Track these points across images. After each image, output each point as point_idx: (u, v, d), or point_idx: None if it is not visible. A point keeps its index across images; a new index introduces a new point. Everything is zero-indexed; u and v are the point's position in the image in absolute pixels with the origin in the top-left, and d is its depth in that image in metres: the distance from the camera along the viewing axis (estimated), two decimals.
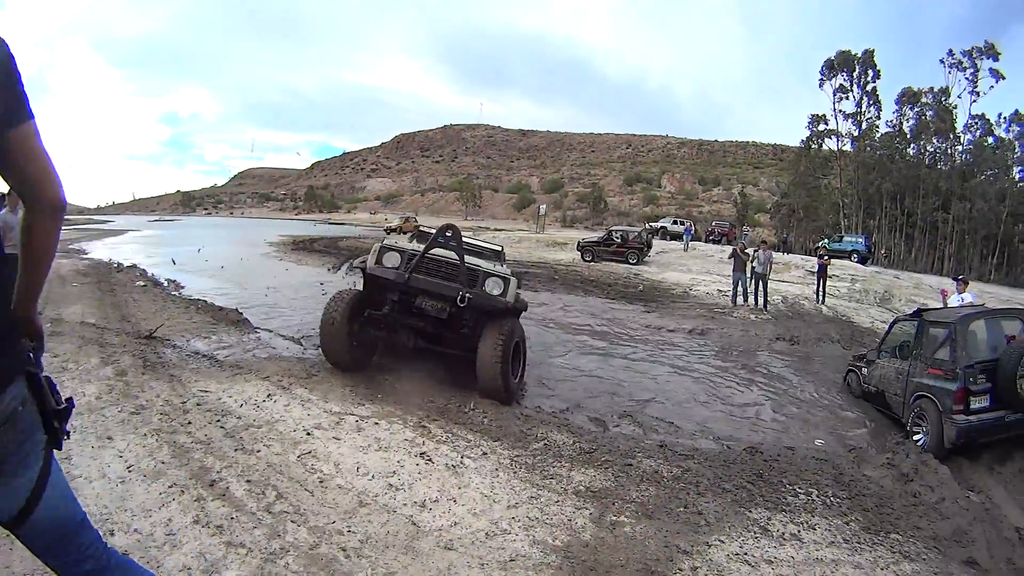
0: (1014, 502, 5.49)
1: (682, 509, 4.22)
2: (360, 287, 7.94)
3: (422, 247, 7.22)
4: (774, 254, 20.78)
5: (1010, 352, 6.63)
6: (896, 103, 50.74)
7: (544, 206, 62.16)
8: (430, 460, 4.66)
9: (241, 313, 10.77)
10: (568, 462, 4.96)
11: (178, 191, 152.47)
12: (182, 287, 14.36)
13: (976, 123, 47.82)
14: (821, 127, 53.70)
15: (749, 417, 7.90)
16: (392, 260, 7.20)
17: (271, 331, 9.92)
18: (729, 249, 21.25)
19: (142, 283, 14.05)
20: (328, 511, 3.71)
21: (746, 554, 3.69)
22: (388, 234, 45.80)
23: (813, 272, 21.27)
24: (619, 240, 29.25)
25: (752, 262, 16.80)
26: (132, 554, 3.03)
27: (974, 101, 47.86)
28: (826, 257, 19.58)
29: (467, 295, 6.76)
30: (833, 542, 3.95)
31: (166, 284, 14.65)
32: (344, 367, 7.30)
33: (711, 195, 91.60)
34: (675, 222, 48.19)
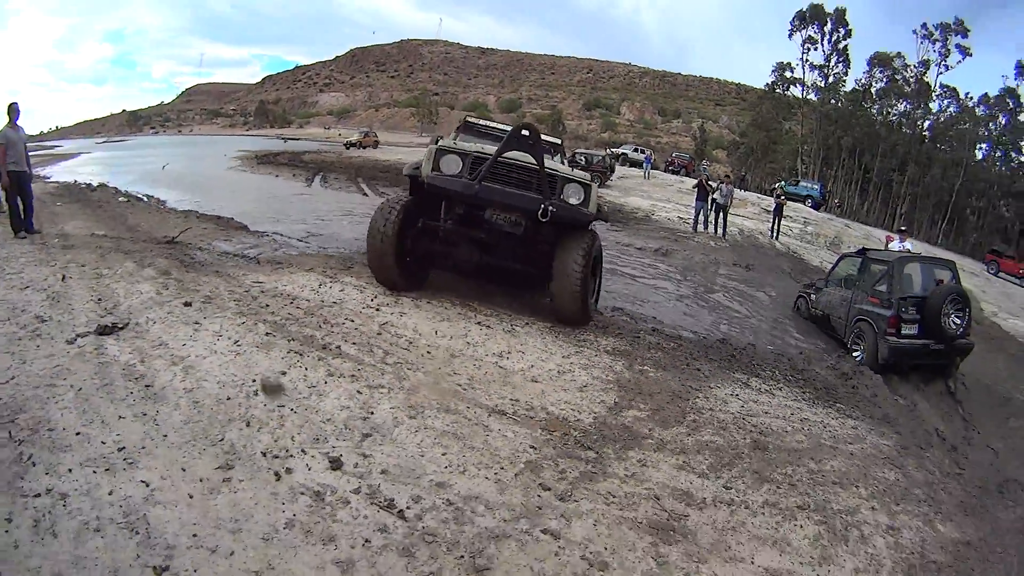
0: (935, 412, 7.13)
1: (685, 366, 5.79)
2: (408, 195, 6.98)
3: (486, 149, 6.43)
4: (735, 189, 22.18)
5: (938, 292, 8.24)
6: (867, 64, 52.81)
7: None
8: (488, 327, 5.89)
9: (243, 222, 11.19)
10: (591, 332, 6.37)
11: (124, 111, 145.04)
12: (163, 202, 14.18)
13: (946, 93, 50.59)
14: (787, 74, 55.32)
15: (714, 321, 9.30)
16: (453, 165, 6.26)
17: (282, 235, 10.39)
18: (689, 181, 22.50)
19: (124, 199, 13.94)
20: (429, 362, 4.74)
21: (736, 395, 5.25)
22: (348, 148, 45.84)
23: (768, 210, 22.87)
24: (583, 163, 29.41)
25: (714, 193, 18.14)
26: (286, 406, 3.78)
27: (941, 73, 50.54)
28: (782, 197, 21.25)
29: (550, 208, 5.92)
30: (795, 400, 5.52)
31: (146, 200, 14.37)
32: (394, 286, 6.64)
33: (670, 127, 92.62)
34: (636, 150, 48.83)
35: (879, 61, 51.87)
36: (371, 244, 6.42)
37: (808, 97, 55.89)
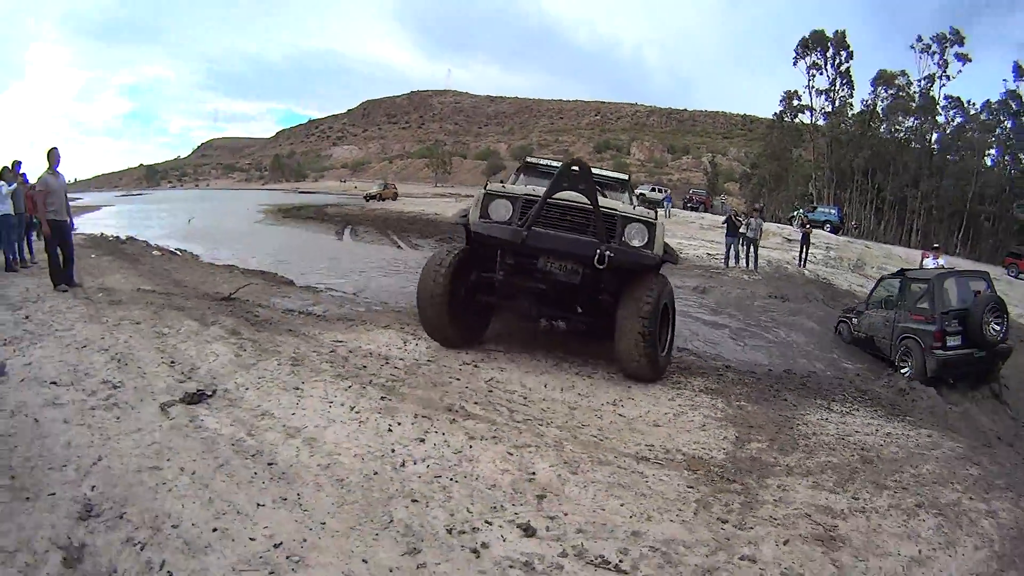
0: (985, 415, 7.35)
1: (773, 397, 6.01)
2: (462, 245, 6.54)
3: (536, 189, 6.04)
4: (763, 222, 22.58)
5: (977, 303, 8.60)
6: (871, 84, 53.82)
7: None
8: (590, 377, 5.98)
9: (287, 277, 11.44)
10: (679, 375, 6.45)
11: (141, 165, 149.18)
12: (197, 256, 14.33)
13: (951, 104, 51.38)
14: (795, 102, 56.23)
15: (768, 352, 9.50)
16: (502, 211, 5.85)
17: (335, 289, 10.59)
18: (710, 217, 22.85)
19: (157, 252, 14.04)
20: (554, 416, 4.75)
21: (827, 419, 5.50)
22: (368, 200, 46.52)
23: (789, 239, 23.29)
24: None
25: (743, 228, 18.44)
26: (443, 475, 3.56)
27: (943, 85, 51.30)
28: (808, 227, 21.54)
29: (607, 253, 5.36)
30: (872, 417, 5.77)
31: (180, 253, 14.47)
32: (450, 343, 6.28)
33: (680, 163, 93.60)
34: (653, 189, 49.52)
35: (883, 80, 52.71)
36: (422, 300, 6.00)
37: (817, 123, 56.59)
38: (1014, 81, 48.05)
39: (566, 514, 3.29)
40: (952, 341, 8.47)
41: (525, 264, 5.97)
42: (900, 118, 52.44)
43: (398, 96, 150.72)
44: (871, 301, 10.69)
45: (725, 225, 19.11)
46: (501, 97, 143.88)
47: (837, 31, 53.78)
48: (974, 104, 51.00)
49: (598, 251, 5.36)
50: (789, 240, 25.56)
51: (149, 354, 5.25)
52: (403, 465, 3.65)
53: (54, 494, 2.94)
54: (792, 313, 12.93)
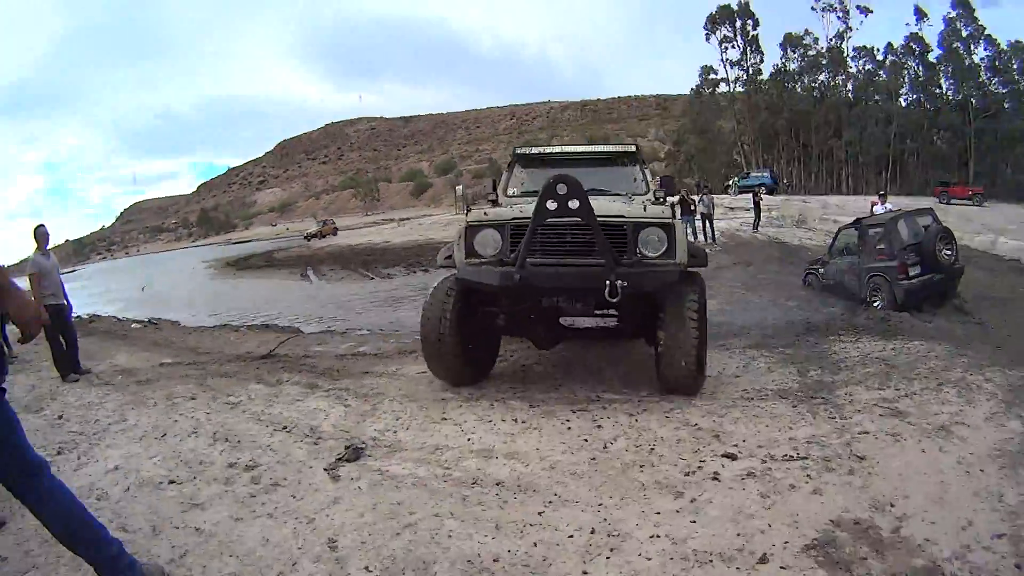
0: (956, 323, 8.98)
1: (797, 342, 7.29)
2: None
3: (523, 208, 5.17)
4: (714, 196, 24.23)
5: (928, 235, 10.12)
6: (780, 47, 57.48)
7: (462, 186, 63.51)
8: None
9: (292, 326, 11.71)
10: (719, 340, 7.20)
11: (67, 241, 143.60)
12: (178, 322, 13.67)
13: (859, 54, 55.68)
14: (711, 76, 59.28)
15: (761, 312, 10.47)
16: (490, 244, 5.06)
17: (352, 328, 10.87)
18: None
19: (137, 325, 13.50)
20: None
21: (845, 348, 6.84)
22: (309, 240, 46.30)
23: (732, 208, 25.02)
24: None
25: (696, 206, 19.87)
26: (642, 446, 3.97)
27: (849, 37, 55.53)
28: (760, 194, 23.57)
29: (619, 283, 4.48)
30: (876, 341, 7.10)
31: (158, 323, 13.58)
32: (462, 383, 5.58)
33: None
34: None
35: (789, 43, 56.12)
36: (428, 343, 5.28)
37: (736, 92, 59.78)
38: (916, 23, 52.10)
39: (744, 439, 4.13)
40: (913, 271, 9.87)
41: (528, 306, 5.19)
42: (814, 75, 56.11)
43: (313, 131, 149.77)
44: (834, 251, 12.15)
45: (680, 206, 20.35)
46: (415, 116, 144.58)
47: (741, 2, 57.00)
48: (878, 50, 55.19)
49: (608, 282, 4.48)
50: (731, 209, 27.27)
51: (249, 426, 4.97)
52: (605, 448, 4.09)
53: None
54: (760, 274, 14.24)
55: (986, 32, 51.16)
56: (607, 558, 2.79)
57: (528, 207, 4.97)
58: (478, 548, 2.90)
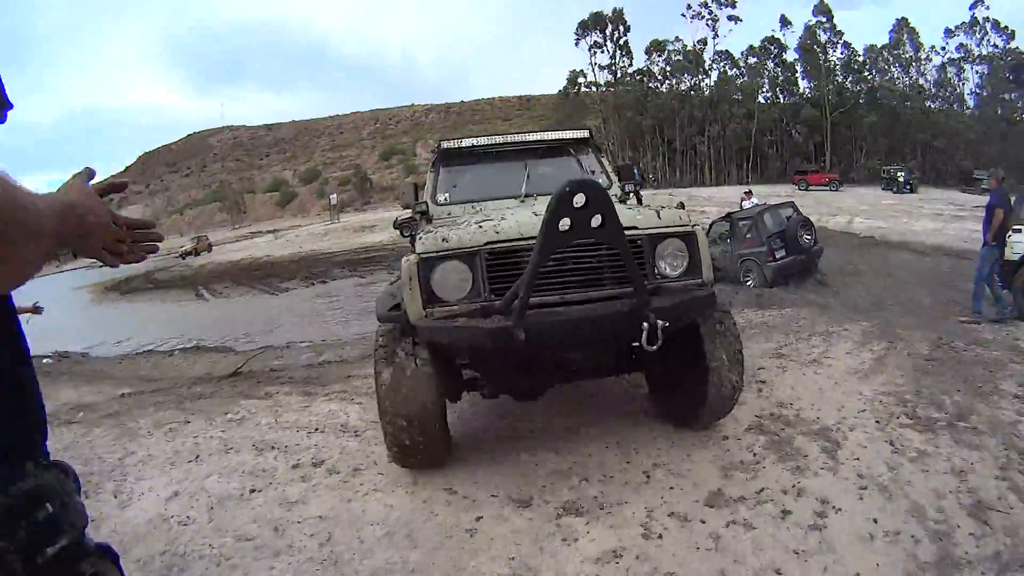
0: (815, 294, 11.09)
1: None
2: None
3: (501, 218, 3.81)
4: None
5: (791, 224, 12.32)
6: (646, 53, 62.89)
7: (335, 195, 62.97)
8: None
9: (222, 346, 12.06)
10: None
11: None
12: (86, 353, 13.36)
13: (720, 58, 62.48)
14: (580, 80, 63.65)
15: None
16: (455, 283, 3.52)
17: (301, 342, 11.09)
18: None
19: (47, 360, 12.11)
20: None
21: (740, 316, 7.87)
22: (184, 258, 44.17)
23: None
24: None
25: None
26: None
27: (717, 43, 62.33)
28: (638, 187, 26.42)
29: (658, 324, 3.20)
30: (758, 311, 8.79)
31: (68, 355, 12.83)
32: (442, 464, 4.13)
33: None
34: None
35: (655, 48, 60.97)
36: (403, 447, 3.76)
37: (604, 93, 64.21)
38: (780, 29, 58.39)
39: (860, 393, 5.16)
40: (779, 254, 12.05)
41: (523, 364, 4.02)
42: (680, 77, 61.11)
43: (174, 142, 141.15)
44: (708, 240, 13.82)
45: None
46: (278, 124, 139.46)
47: (615, 9, 61.48)
48: (743, 55, 62.31)
49: (645, 325, 3.22)
50: None
51: (279, 434, 5.05)
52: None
53: None
54: None
55: (843, 38, 59.30)
56: None
57: (490, 224, 3.61)
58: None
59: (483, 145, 5.64)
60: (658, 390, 4.88)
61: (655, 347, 3.24)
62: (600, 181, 4.88)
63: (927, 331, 7.13)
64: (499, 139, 5.71)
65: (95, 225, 1.13)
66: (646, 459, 4.09)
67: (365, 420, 5.21)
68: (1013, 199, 9.23)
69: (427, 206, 5.09)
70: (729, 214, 14.21)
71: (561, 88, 65.30)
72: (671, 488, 3.74)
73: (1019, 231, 8.93)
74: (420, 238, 3.73)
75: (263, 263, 30.25)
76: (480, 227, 3.65)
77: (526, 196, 5.02)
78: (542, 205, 3.63)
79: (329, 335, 11.69)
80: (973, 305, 9.00)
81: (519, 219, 3.69)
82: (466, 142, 5.66)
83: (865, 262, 15.27)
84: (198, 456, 4.80)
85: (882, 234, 21.81)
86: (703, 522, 3.35)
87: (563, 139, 5.75)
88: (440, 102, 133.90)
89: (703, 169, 59.12)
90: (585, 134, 5.81)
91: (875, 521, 3.25)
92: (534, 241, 3.17)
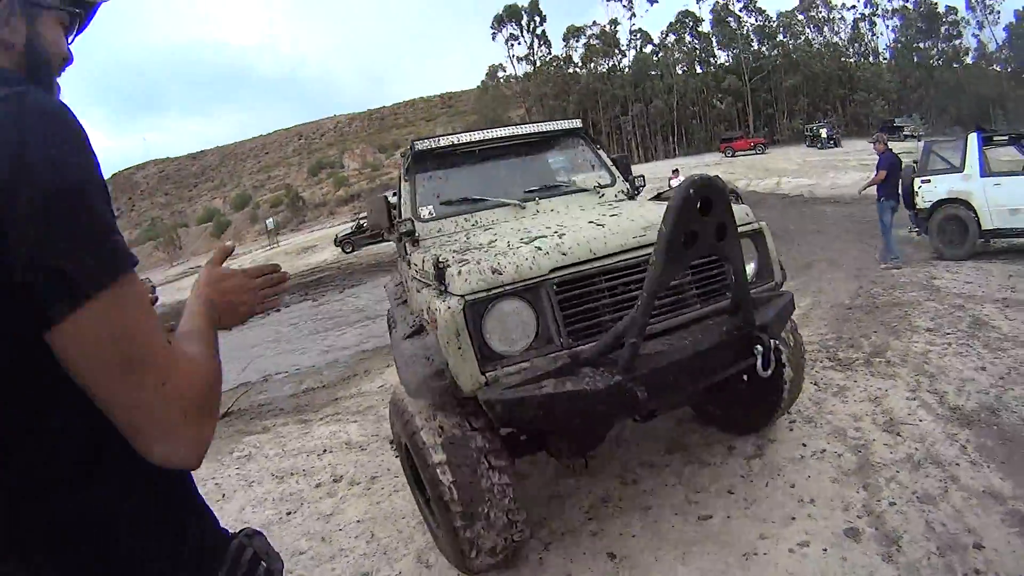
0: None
1: None
2: None
3: (567, 246, 2.92)
4: None
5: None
6: (564, 39, 65.21)
7: (271, 219, 62.33)
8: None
9: None
10: None
11: None
12: None
13: (636, 37, 65.39)
14: (500, 74, 65.70)
15: None
16: (516, 331, 2.78)
17: (282, 372, 10.90)
18: None
19: None
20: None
21: None
22: None
23: None
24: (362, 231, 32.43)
25: None
26: None
27: (633, 24, 65.84)
28: None
29: (772, 347, 2.83)
30: None
31: None
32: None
33: (395, 160, 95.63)
34: (394, 194, 52.40)
35: (571, 33, 62.66)
36: (479, 536, 2.89)
37: (524, 82, 66.00)
38: (697, 3, 60.95)
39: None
40: None
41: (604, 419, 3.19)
42: (600, 60, 62.63)
43: None
44: None
45: None
46: (203, 151, 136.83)
47: (530, 1, 63.36)
48: (663, 33, 65.22)
49: (759, 350, 2.77)
50: None
51: (292, 461, 5.47)
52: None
53: None
54: None
55: (757, 3, 62.56)
56: None
57: (550, 243, 2.92)
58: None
59: (465, 144, 4.72)
60: (709, 405, 4.38)
61: (769, 372, 2.81)
62: (602, 176, 4.77)
63: (850, 282, 8.06)
64: (482, 135, 4.77)
65: (237, 299, 1.24)
66: None
67: (366, 434, 5.72)
68: (914, 156, 10.51)
69: (412, 224, 4.12)
70: (659, 194, 14.48)
71: (480, 83, 65.96)
72: (637, 445, 4.60)
73: (927, 181, 10.18)
74: (454, 272, 2.77)
75: None
76: (539, 249, 2.85)
77: (526, 201, 4.38)
78: (548, 216, 3.85)
79: (300, 362, 11.66)
80: (889, 255, 9.97)
81: (583, 233, 2.98)
82: (444, 140, 4.73)
83: (794, 221, 15.97)
84: (224, 495, 5.02)
85: (810, 191, 23.03)
86: (667, 466, 4.20)
87: (554, 130, 4.98)
88: (362, 110, 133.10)
89: (630, 147, 60.42)
90: (577, 124, 5.12)
91: (804, 445, 4.14)
92: (610, 261, 2.85)
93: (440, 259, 2.96)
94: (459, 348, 2.65)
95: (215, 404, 0.99)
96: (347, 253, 32.20)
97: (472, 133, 4.78)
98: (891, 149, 10.47)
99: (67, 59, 1.11)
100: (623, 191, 4.75)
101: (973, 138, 9.76)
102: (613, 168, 4.92)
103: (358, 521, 4.17)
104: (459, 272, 2.78)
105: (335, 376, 8.95)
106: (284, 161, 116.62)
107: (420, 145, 4.69)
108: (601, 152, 5.07)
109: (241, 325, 1.27)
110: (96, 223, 0.84)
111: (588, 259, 2.89)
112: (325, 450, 5.58)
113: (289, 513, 4.47)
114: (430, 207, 4.39)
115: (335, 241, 34.05)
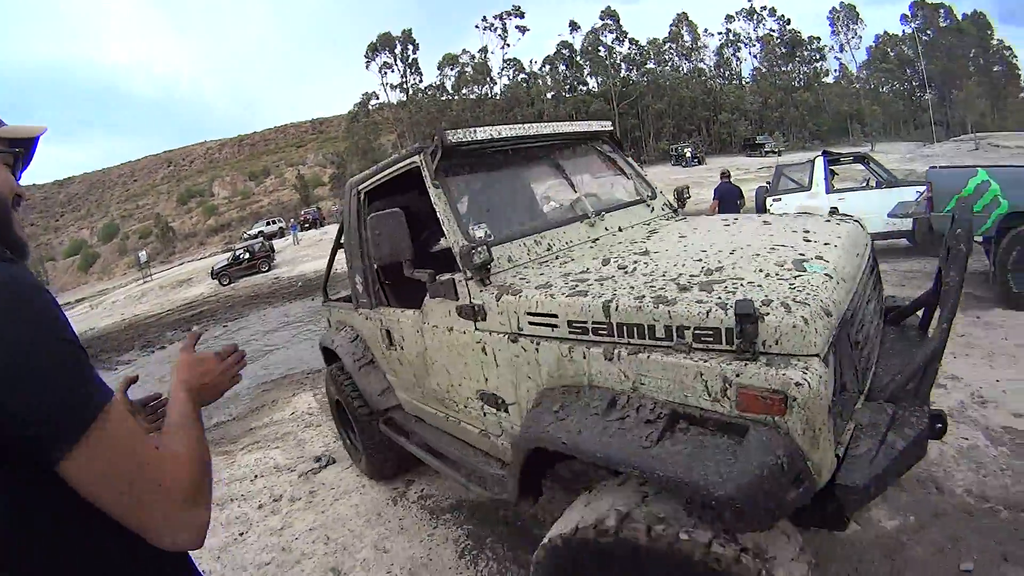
0: None
1: None
2: None
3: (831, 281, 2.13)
4: None
5: None
6: (438, 68, 66.47)
7: (144, 252, 59.57)
8: None
9: None
10: None
11: None
12: None
13: (509, 65, 67.84)
14: (373, 102, 65.80)
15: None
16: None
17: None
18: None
19: None
20: None
21: None
22: None
23: None
24: (248, 256, 32.98)
25: None
26: None
27: (506, 53, 67.72)
28: None
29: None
30: None
31: None
32: None
33: (266, 186, 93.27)
34: (268, 223, 53.47)
35: (447, 62, 63.78)
36: None
37: (396, 111, 66.45)
38: (571, 33, 63.75)
39: None
40: None
41: None
42: (471, 88, 64.26)
43: None
44: None
45: None
46: (69, 179, 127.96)
47: (404, 30, 64.20)
48: (541, 62, 68.20)
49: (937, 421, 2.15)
50: None
51: (226, 490, 5.61)
52: None
53: None
54: None
55: (628, 36, 66.97)
56: None
57: (821, 280, 2.12)
58: None
59: (504, 139, 3.51)
60: None
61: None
62: (642, 188, 4.15)
63: None
64: (523, 129, 3.59)
65: (213, 380, 1.40)
66: None
67: (291, 458, 6.04)
68: (766, 182, 12.11)
69: (486, 252, 2.74)
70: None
71: (351, 111, 66.66)
72: None
73: (779, 200, 11.43)
74: (785, 322, 1.84)
75: (90, 338, 28.07)
76: (829, 277, 2.14)
77: (593, 215, 3.48)
78: (627, 234, 3.21)
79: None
80: None
81: (839, 263, 2.32)
82: (481, 133, 3.39)
83: None
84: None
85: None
86: None
87: (588, 132, 4.20)
88: (233, 135, 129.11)
89: None
90: (609, 127, 4.38)
91: None
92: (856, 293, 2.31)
93: (742, 304, 1.81)
94: (825, 431, 1.78)
95: (208, 488, 1.10)
96: (224, 286, 31.52)
97: (512, 127, 3.55)
98: (728, 180, 12.05)
99: (21, 195, 1.20)
100: (665, 204, 4.11)
101: (819, 160, 10.98)
102: (647, 177, 4.34)
103: (310, 529, 4.54)
104: (799, 321, 1.83)
105: (243, 408, 8.85)
106: (153, 189, 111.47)
107: (452, 136, 3.26)
108: (631, 159, 4.46)
109: (219, 399, 1.45)
110: (53, 386, 0.92)
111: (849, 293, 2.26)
112: (256, 475, 5.83)
113: (241, 534, 4.71)
114: (482, 225, 3.02)
115: (212, 273, 33.33)
